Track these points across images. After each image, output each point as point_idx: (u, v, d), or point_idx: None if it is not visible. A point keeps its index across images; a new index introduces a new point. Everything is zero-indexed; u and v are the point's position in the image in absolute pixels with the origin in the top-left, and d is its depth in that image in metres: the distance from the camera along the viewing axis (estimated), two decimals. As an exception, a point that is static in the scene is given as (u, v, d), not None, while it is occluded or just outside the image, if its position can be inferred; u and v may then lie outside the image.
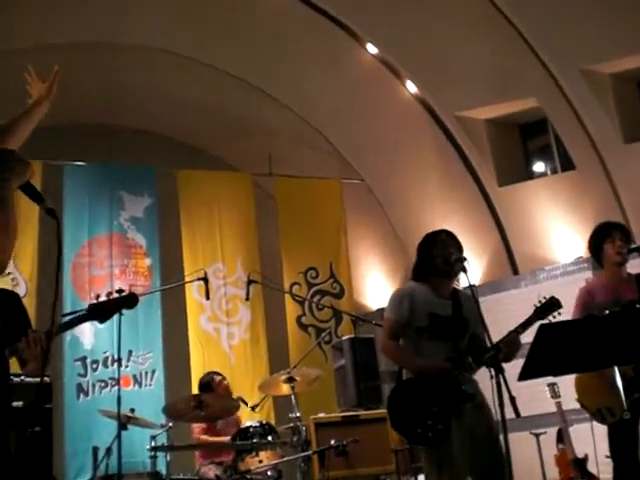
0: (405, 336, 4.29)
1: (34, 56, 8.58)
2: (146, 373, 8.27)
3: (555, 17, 7.89)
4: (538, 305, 4.13)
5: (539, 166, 9.74)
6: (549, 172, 9.58)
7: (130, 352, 8.13)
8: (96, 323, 7.68)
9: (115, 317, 4.05)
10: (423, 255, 4.38)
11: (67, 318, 3.66)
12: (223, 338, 8.66)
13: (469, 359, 4.09)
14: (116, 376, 7.81)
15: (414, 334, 4.22)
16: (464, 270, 4.19)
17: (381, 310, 10.26)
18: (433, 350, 4.17)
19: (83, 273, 8.38)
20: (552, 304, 4.13)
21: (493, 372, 3.84)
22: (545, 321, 4.04)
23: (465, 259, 4.22)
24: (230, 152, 10.51)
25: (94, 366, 8.06)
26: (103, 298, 3.50)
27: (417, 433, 4.03)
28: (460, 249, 4.32)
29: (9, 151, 2.07)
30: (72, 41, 8.60)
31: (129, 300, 3.60)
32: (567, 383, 5.09)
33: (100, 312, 3.57)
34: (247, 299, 7.32)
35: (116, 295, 3.56)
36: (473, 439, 4.01)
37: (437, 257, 4.28)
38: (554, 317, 4.11)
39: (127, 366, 8.02)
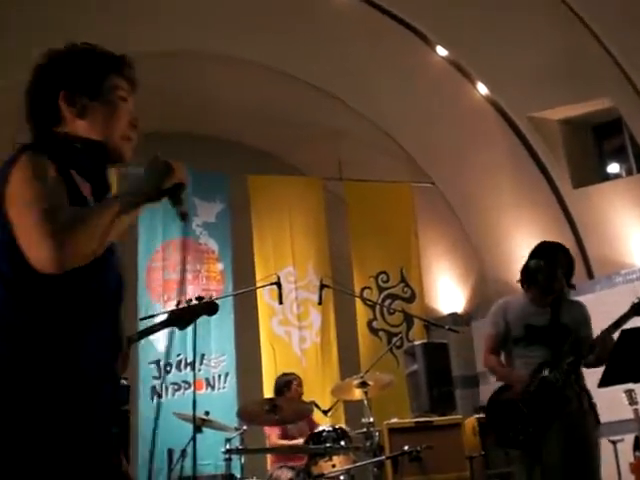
0: (505, 348, 4.38)
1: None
2: (219, 376, 8.35)
3: (629, 15, 7.73)
4: (636, 301, 4.07)
5: (614, 167, 9.54)
6: (624, 173, 9.38)
7: (203, 355, 8.22)
8: (170, 326, 7.80)
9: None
10: (532, 263, 4.37)
11: (148, 324, 3.73)
12: (295, 342, 8.70)
13: (564, 365, 4.07)
14: (189, 379, 7.98)
15: (512, 345, 4.27)
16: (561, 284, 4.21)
17: (452, 315, 10.21)
18: (530, 358, 4.18)
19: (157, 277, 8.50)
20: None
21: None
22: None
23: (561, 288, 4.24)
24: (300, 157, 10.57)
25: (168, 369, 8.17)
26: (183, 305, 3.55)
27: (509, 436, 4.08)
28: (570, 267, 4.32)
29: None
30: (153, 50, 8.75)
31: (209, 308, 3.65)
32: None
33: (180, 319, 3.63)
34: (319, 303, 7.33)
35: (196, 302, 3.62)
36: (568, 445, 3.98)
37: (542, 272, 4.27)
38: None
39: (200, 369, 8.10)
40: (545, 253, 4.37)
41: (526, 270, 4.40)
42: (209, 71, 9.29)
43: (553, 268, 4.26)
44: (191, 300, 3.72)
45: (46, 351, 1.86)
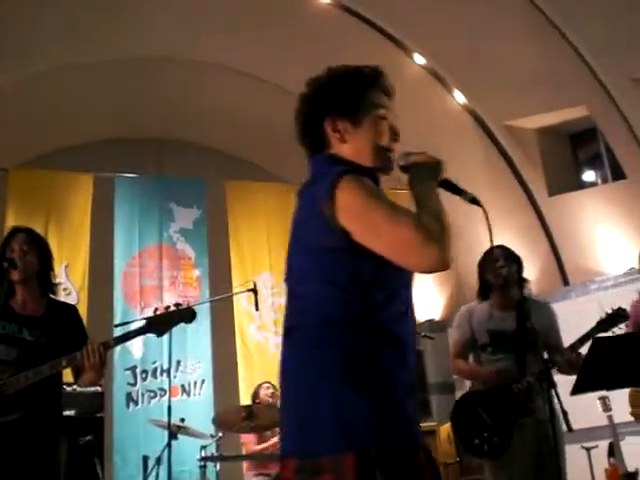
0: (473, 354, 4.40)
1: (86, 72, 8.79)
2: (195, 383, 8.32)
3: (606, 25, 7.81)
4: (604, 317, 4.10)
5: (589, 175, 9.62)
6: (599, 181, 9.46)
7: (179, 362, 8.19)
8: (146, 333, 7.77)
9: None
10: (479, 275, 4.44)
11: (125, 330, 3.71)
12: (272, 347, 8.69)
13: (529, 375, 4.08)
14: (164, 386, 7.95)
15: (480, 351, 4.30)
16: (517, 278, 4.21)
17: (429, 321, 10.23)
18: (496, 365, 4.21)
19: (134, 283, 8.47)
20: (619, 315, 4.10)
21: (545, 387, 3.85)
22: (609, 333, 4.02)
23: (502, 266, 4.25)
24: (278, 164, 10.56)
25: (143, 376, 8.14)
26: (161, 311, 3.54)
27: (474, 444, 4.08)
28: (513, 260, 4.34)
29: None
30: (128, 57, 8.75)
31: (187, 315, 3.63)
32: (618, 396, 5.02)
33: (158, 325, 3.61)
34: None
35: (173, 309, 3.60)
36: (536, 454, 4.00)
37: (487, 273, 4.32)
38: (619, 329, 4.09)
39: (175, 376, 8.07)
40: (482, 260, 4.45)
41: (480, 282, 4.46)
42: (188, 77, 9.30)
43: (494, 263, 4.30)
44: (169, 307, 3.70)
45: (382, 345, 2.08)
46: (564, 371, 4.11)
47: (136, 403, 8.04)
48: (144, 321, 3.69)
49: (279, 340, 8.62)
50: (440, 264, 2.01)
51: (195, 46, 8.80)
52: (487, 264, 4.38)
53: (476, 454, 4.19)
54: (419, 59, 8.97)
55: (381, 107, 2.32)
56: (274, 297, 8.88)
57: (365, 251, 2.07)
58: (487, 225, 2.34)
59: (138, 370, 8.14)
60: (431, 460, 2.10)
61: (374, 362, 2.05)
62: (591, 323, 4.14)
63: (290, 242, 2.29)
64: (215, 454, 5.65)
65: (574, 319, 4.65)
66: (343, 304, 2.08)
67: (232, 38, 8.77)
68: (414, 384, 2.15)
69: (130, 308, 8.27)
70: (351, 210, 2.08)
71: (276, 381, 6.92)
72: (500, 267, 4.29)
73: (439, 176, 2.24)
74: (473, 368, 4.34)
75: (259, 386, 7.12)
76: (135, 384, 8.09)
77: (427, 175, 2.24)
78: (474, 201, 2.25)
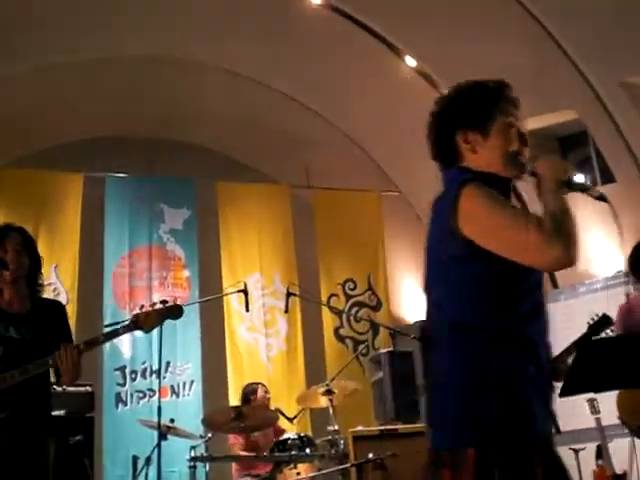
0: None
1: (76, 72, 8.77)
2: (184, 384, 8.32)
3: (596, 28, 7.84)
4: (591, 322, 4.12)
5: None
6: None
7: (168, 363, 8.19)
8: (135, 333, 7.82)
9: (156, 330, 4.11)
10: None
11: (112, 328, 3.72)
12: (261, 349, 8.70)
13: None
14: (154, 387, 7.96)
15: None
16: None
17: (418, 323, 10.24)
18: None
19: (123, 284, 8.46)
20: (604, 322, 4.12)
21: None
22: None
23: None
24: (269, 164, 10.57)
25: (133, 376, 8.14)
26: (147, 309, 3.55)
27: None
28: None
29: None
30: (118, 56, 8.74)
31: (174, 311, 3.64)
32: (606, 399, 5.04)
33: (145, 322, 3.62)
34: (286, 311, 7.37)
35: (160, 306, 3.61)
36: None
37: None
38: (606, 334, 4.11)
39: (165, 377, 8.07)
40: None
41: None
42: (181, 77, 9.29)
43: None
44: (155, 304, 3.71)
45: (512, 345, 2.21)
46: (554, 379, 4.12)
47: (125, 403, 8.04)
48: (131, 318, 3.70)
49: (269, 341, 8.73)
50: (565, 261, 2.13)
51: (187, 46, 8.79)
52: None
53: None
54: (410, 61, 8.98)
55: (509, 115, 2.45)
56: (264, 298, 8.89)
57: (490, 256, 2.20)
58: (616, 224, 2.49)
59: (127, 370, 8.14)
60: (550, 454, 2.20)
61: (502, 363, 2.19)
62: (580, 325, 4.16)
63: (425, 252, 2.46)
64: (205, 455, 5.64)
65: (563, 321, 4.67)
66: (472, 308, 2.24)
67: (224, 39, 8.77)
68: (549, 381, 2.32)
69: (119, 309, 8.27)
70: (474, 217, 2.22)
71: (267, 381, 6.93)
72: None
73: (565, 177, 2.36)
74: None
75: (256, 386, 7.13)
76: (124, 384, 8.10)
77: (553, 177, 2.35)
78: (602, 198, 2.37)
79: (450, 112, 2.50)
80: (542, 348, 2.29)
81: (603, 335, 4.11)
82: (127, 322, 3.70)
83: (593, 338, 4.04)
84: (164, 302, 3.71)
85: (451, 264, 2.28)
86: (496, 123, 2.42)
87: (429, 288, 2.44)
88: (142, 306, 3.60)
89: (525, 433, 2.13)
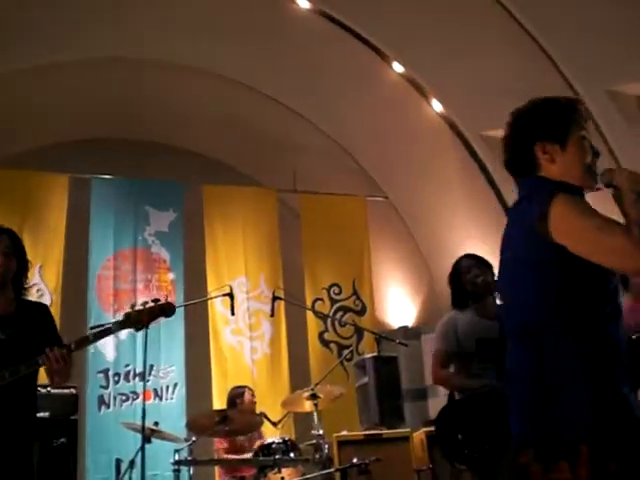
0: (456, 363, 4.34)
1: (64, 72, 8.74)
2: (167, 387, 8.29)
3: (582, 37, 7.89)
4: None
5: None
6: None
7: (152, 366, 8.15)
8: (119, 335, 7.78)
9: (140, 332, 4.09)
10: (453, 285, 4.43)
11: (103, 327, 3.70)
12: (246, 352, 8.69)
13: None
14: (137, 390, 7.94)
15: (465, 361, 4.26)
16: (489, 286, 4.22)
17: (403, 328, 10.27)
18: (485, 375, 4.19)
19: (107, 286, 8.43)
20: None
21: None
22: None
23: (479, 276, 4.26)
24: (256, 168, 10.57)
25: (116, 379, 8.11)
26: (139, 307, 3.53)
27: (464, 454, 4.05)
28: (487, 267, 4.35)
29: None
30: (104, 55, 8.71)
31: (166, 309, 3.62)
32: None
33: (137, 320, 3.60)
34: (272, 315, 7.38)
35: (152, 304, 3.59)
36: None
37: (466, 284, 4.33)
38: None
39: (148, 380, 8.05)
40: (456, 270, 4.44)
41: (454, 292, 4.45)
42: (169, 80, 9.28)
43: (470, 274, 4.30)
44: (147, 303, 3.69)
45: (600, 346, 2.36)
46: None
47: (108, 406, 8.01)
48: (123, 316, 3.68)
49: (254, 344, 8.72)
50: None
51: (175, 49, 8.78)
52: (464, 276, 4.37)
53: (466, 463, 4.16)
54: (398, 67, 9.01)
55: (583, 129, 2.61)
56: (249, 302, 8.89)
57: (579, 260, 2.35)
58: None
59: (110, 373, 8.11)
60: None
61: (593, 360, 2.33)
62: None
63: (503, 256, 2.63)
64: (189, 458, 5.63)
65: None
66: (558, 310, 2.39)
67: (212, 42, 8.77)
68: (630, 379, 2.41)
69: (103, 311, 8.24)
70: (566, 226, 2.37)
71: (251, 385, 6.91)
72: (476, 276, 4.30)
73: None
74: (460, 380, 4.29)
75: (243, 390, 7.11)
76: (107, 387, 8.06)
77: (632, 188, 2.48)
78: None
79: (530, 124, 2.67)
80: (623, 346, 2.42)
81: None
82: (119, 320, 3.69)
83: None
84: (156, 300, 3.69)
85: (539, 267, 2.43)
86: (573, 136, 2.59)
87: (508, 290, 2.63)
88: (133, 305, 3.57)
89: (629, 423, 2.29)
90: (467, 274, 4.33)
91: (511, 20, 7.98)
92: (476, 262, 4.40)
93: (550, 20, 7.90)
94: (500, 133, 8.87)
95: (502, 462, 3.99)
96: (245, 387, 7.16)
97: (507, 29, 8.08)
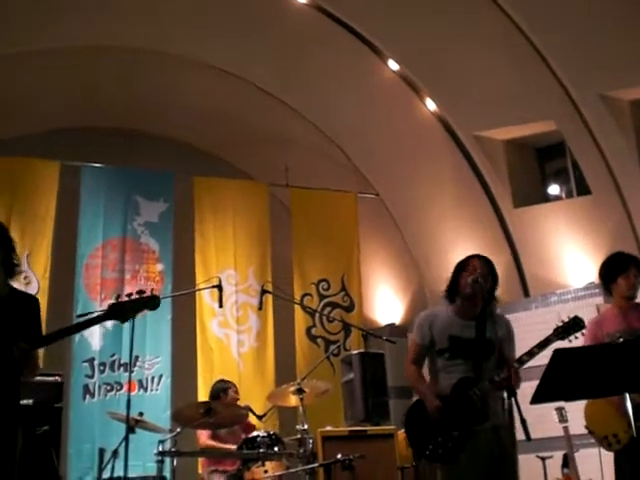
0: (429, 357, 4.40)
1: (56, 58, 8.70)
2: (152, 378, 8.27)
3: (577, 41, 7.91)
4: (560, 325, 4.16)
5: (555, 189, 9.74)
6: (565, 196, 9.57)
7: (137, 357, 8.13)
8: (106, 325, 7.75)
9: (127, 322, 4.06)
10: (452, 277, 4.44)
11: (86, 317, 3.69)
12: (233, 345, 8.68)
13: (486, 381, 4.11)
14: (121, 380, 7.93)
15: (436, 355, 4.30)
16: (482, 291, 4.23)
17: (390, 325, 10.29)
18: (452, 370, 4.22)
19: (95, 275, 8.40)
20: (575, 324, 4.16)
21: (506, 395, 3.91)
22: (565, 342, 4.08)
23: (478, 280, 4.26)
24: (248, 161, 10.56)
25: (101, 368, 8.08)
26: (124, 298, 3.52)
27: (429, 450, 4.10)
28: (492, 276, 4.36)
29: None
30: (96, 44, 8.68)
31: (151, 301, 3.60)
32: (574, 408, 5.09)
33: (121, 312, 3.59)
34: (260, 309, 7.37)
35: (137, 296, 3.57)
36: (489, 460, 4.04)
37: (462, 280, 4.34)
38: (576, 337, 4.16)
39: (133, 371, 8.03)
40: (461, 265, 4.44)
41: (450, 284, 4.46)
42: (163, 70, 9.25)
43: (472, 273, 4.32)
44: (131, 294, 3.67)
45: None
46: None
47: (92, 395, 7.98)
48: (108, 307, 3.66)
49: (240, 338, 8.70)
50: None
51: (170, 40, 8.75)
52: (462, 273, 4.39)
53: (430, 459, 4.21)
54: (393, 65, 9.01)
55: None
56: (238, 294, 8.88)
57: None
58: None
59: (96, 362, 8.09)
60: None
61: None
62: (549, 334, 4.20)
63: None
64: (173, 449, 5.61)
65: (534, 330, 4.70)
66: None
67: (208, 34, 8.75)
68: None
69: (91, 300, 8.21)
70: None
71: (237, 378, 6.89)
72: (476, 279, 4.30)
73: None
74: (425, 391, 4.31)
75: (227, 385, 7.07)
76: (92, 376, 8.04)
77: None
78: None
79: None
80: None
81: (572, 340, 4.16)
82: (103, 312, 3.67)
83: (564, 344, 4.08)
84: (141, 292, 3.67)
85: None
86: None
87: None
88: (118, 296, 3.56)
89: None
90: (471, 273, 4.33)
91: (509, 23, 8.00)
92: (486, 267, 4.39)
93: (546, 24, 7.93)
94: (493, 134, 8.97)
95: (467, 445, 4.05)
96: (229, 383, 7.12)
97: (504, 32, 8.10)
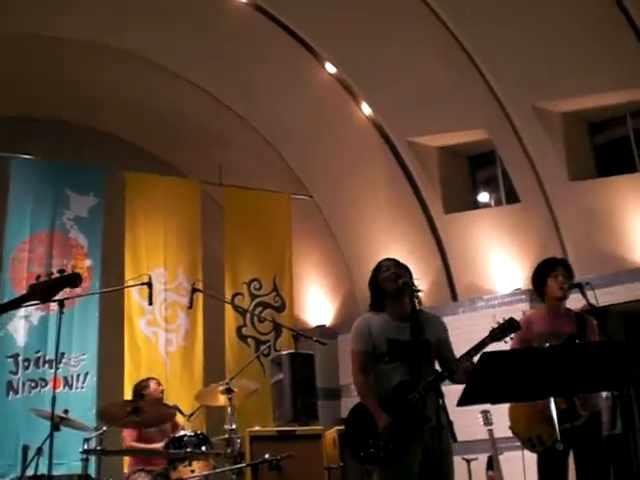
0: (371, 364, 4.37)
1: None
2: (78, 375, 8.14)
3: (511, 53, 8.08)
4: (495, 326, 4.22)
5: (485, 197, 9.92)
6: (494, 203, 9.76)
7: (63, 354, 7.97)
8: (31, 320, 7.57)
9: (53, 318, 3.99)
10: (372, 285, 4.47)
11: (7, 300, 3.58)
12: (161, 344, 8.59)
13: (423, 383, 4.15)
14: (46, 377, 7.77)
15: (376, 361, 4.31)
16: (411, 288, 4.27)
17: (320, 327, 10.34)
18: (391, 374, 4.24)
19: (21, 269, 8.22)
20: (511, 325, 4.23)
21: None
22: (501, 343, 4.16)
23: (397, 274, 4.32)
24: (182, 158, 10.48)
25: (25, 364, 7.92)
26: (44, 278, 3.43)
27: (370, 453, 4.11)
28: (404, 269, 4.41)
29: None
30: (27, 33, 8.50)
31: (71, 279, 3.51)
32: (499, 411, 5.18)
33: (42, 292, 3.49)
34: (190, 307, 7.30)
35: (57, 275, 3.48)
36: (427, 461, 4.08)
37: (383, 282, 4.37)
38: (511, 339, 4.23)
39: (58, 368, 7.86)
40: (375, 270, 4.50)
41: (373, 293, 4.50)
42: (97, 62, 9.11)
43: (389, 271, 4.37)
44: (52, 274, 3.58)
45: None
46: (460, 380, 4.17)
47: (16, 392, 7.82)
48: (27, 289, 3.57)
49: (169, 336, 8.59)
50: None
51: (104, 32, 8.64)
52: (382, 274, 4.42)
53: (368, 462, 4.21)
54: (330, 68, 9.06)
55: None
56: (167, 293, 8.79)
57: None
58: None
59: (20, 358, 7.92)
60: None
61: None
62: (477, 338, 4.26)
63: None
64: (98, 447, 5.53)
65: (461, 333, 4.79)
66: None
67: (143, 28, 8.66)
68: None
69: (16, 293, 8.01)
70: None
71: (162, 376, 6.79)
72: (394, 274, 4.34)
73: None
74: (374, 406, 4.31)
75: (146, 382, 6.99)
76: (17, 372, 7.87)
77: None
78: None
79: None
80: None
81: (508, 340, 4.23)
82: (23, 293, 3.58)
83: (494, 346, 4.14)
84: (62, 271, 3.58)
85: None
86: None
87: None
88: (39, 276, 3.47)
89: None
90: (387, 272, 4.37)
91: (446, 32, 8.13)
92: (396, 264, 4.46)
93: (482, 35, 8.08)
94: (426, 140, 9.11)
95: (412, 448, 4.08)
96: (149, 378, 7.01)
97: (440, 41, 8.23)
